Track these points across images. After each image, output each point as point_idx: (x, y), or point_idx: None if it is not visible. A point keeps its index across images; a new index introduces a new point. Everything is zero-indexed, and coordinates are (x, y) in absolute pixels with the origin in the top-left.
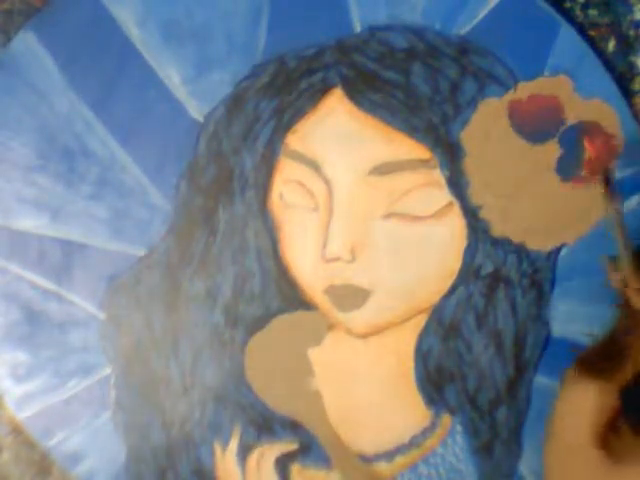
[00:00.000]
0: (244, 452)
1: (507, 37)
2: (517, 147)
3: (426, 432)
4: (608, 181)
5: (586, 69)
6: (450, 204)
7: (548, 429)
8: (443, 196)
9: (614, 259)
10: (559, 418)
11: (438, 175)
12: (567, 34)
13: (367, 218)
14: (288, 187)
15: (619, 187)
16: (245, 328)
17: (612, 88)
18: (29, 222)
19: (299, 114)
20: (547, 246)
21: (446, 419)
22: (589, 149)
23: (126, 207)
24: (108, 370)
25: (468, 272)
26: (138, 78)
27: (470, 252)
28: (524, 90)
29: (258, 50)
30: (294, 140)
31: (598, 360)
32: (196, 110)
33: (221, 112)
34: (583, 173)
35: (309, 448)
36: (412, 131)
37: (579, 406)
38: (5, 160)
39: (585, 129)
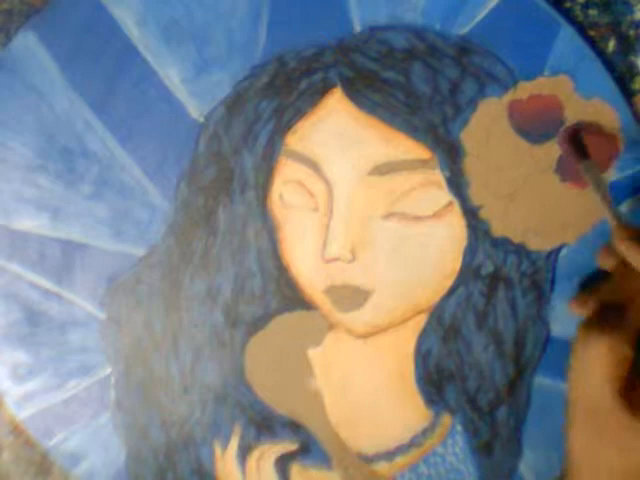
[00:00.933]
0: (244, 452)
1: (507, 37)
2: (517, 147)
3: (426, 432)
4: (575, 136)
5: (586, 69)
6: (450, 204)
7: (568, 402)
8: (443, 196)
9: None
10: (575, 383)
11: (438, 175)
12: (567, 34)
13: (367, 218)
14: (288, 187)
15: (618, 187)
16: (245, 328)
17: (612, 88)
18: (29, 222)
19: (299, 114)
20: (547, 246)
21: (446, 419)
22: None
23: (126, 207)
24: (108, 370)
25: (468, 272)
26: (138, 78)
27: (470, 252)
28: (524, 90)
29: (258, 50)
30: (294, 140)
31: (604, 312)
32: (196, 110)
33: (221, 112)
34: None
35: (309, 448)
36: (412, 131)
37: (594, 361)
38: (5, 160)
39: (585, 129)
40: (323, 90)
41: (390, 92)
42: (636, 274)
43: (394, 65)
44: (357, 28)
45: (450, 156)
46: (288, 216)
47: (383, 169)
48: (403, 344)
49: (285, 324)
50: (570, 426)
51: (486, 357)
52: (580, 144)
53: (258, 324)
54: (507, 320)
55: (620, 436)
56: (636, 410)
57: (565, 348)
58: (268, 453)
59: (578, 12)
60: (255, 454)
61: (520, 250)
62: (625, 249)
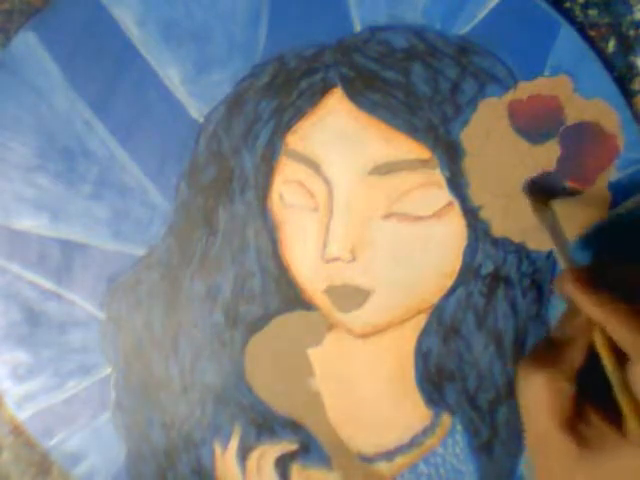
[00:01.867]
0: (244, 452)
1: (507, 37)
2: (517, 147)
3: (426, 432)
4: (534, 186)
5: (586, 69)
6: (450, 204)
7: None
8: (443, 196)
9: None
10: (524, 413)
11: (438, 175)
12: (567, 34)
13: (367, 218)
14: (288, 187)
15: (617, 187)
16: (245, 328)
17: (612, 88)
18: (29, 222)
19: (299, 114)
20: (547, 246)
21: (446, 419)
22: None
23: (126, 207)
24: (108, 370)
25: (468, 272)
26: (138, 78)
27: (470, 252)
28: (524, 90)
29: (258, 50)
30: (294, 140)
31: (542, 350)
32: (196, 110)
33: (221, 112)
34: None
35: (309, 448)
36: (412, 131)
37: (533, 398)
38: (5, 160)
39: (585, 129)
40: (323, 90)
41: (390, 92)
42: (581, 313)
43: (394, 65)
44: (357, 28)
45: (450, 156)
46: (288, 216)
47: (383, 169)
48: (403, 344)
49: (285, 324)
50: (529, 450)
51: (486, 357)
52: (541, 192)
53: (258, 324)
54: (507, 320)
55: (566, 468)
56: (583, 441)
57: None
58: (268, 453)
59: (578, 12)
60: (255, 454)
61: (520, 250)
62: (572, 290)
